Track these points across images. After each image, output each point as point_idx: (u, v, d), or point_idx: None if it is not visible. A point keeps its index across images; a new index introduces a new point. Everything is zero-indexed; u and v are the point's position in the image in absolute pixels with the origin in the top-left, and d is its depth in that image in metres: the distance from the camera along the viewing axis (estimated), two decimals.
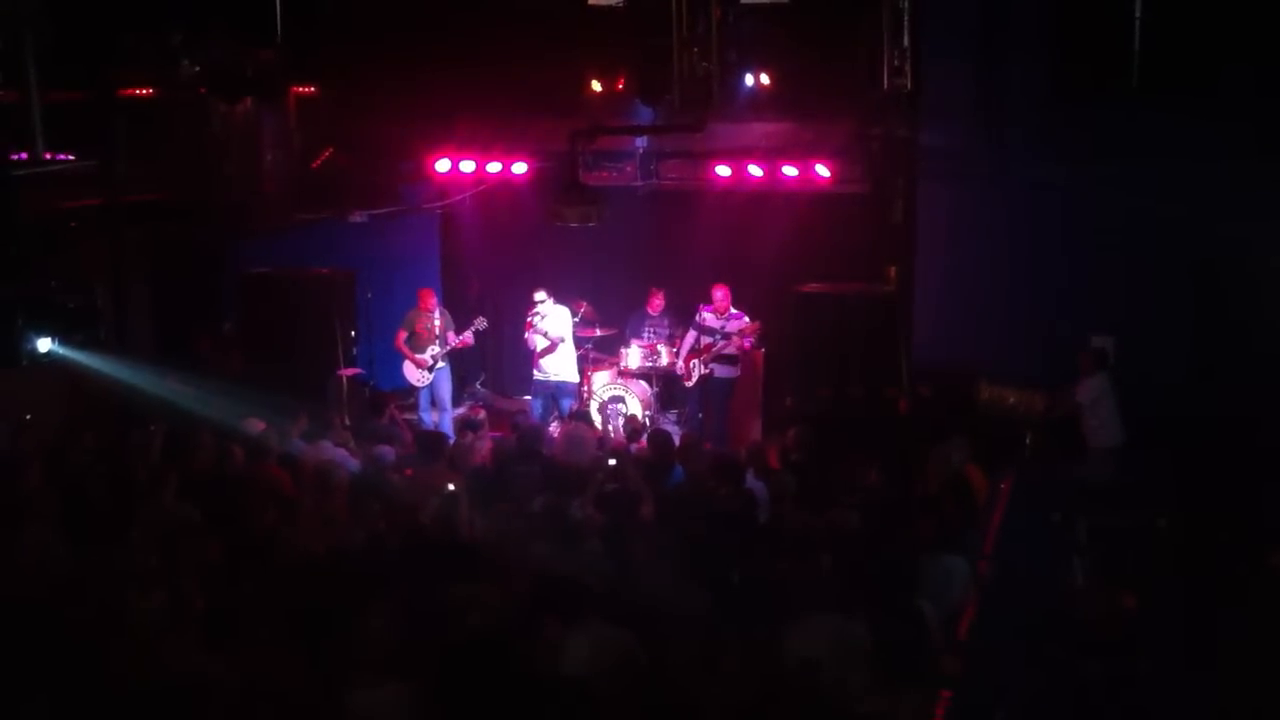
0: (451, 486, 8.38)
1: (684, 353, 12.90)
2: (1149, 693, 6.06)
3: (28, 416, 9.84)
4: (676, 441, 10.05)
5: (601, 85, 12.44)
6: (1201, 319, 10.87)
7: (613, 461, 9.26)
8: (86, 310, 10.69)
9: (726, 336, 12.60)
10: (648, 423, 12.42)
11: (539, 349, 12.98)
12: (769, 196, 12.60)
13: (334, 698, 5.40)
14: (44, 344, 9.79)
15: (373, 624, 5.71)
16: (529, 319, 13.01)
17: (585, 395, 13.18)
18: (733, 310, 12.65)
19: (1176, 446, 9.93)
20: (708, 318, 12.73)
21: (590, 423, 12.02)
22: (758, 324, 12.50)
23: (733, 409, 12.97)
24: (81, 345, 9.98)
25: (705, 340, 12.73)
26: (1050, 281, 11.27)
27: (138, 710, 5.19)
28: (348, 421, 11.62)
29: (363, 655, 5.57)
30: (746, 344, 12.59)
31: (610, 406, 13.00)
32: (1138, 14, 10.57)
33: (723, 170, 12.54)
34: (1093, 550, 7.35)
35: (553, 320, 12.93)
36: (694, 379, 12.85)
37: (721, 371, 12.77)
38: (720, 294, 12.67)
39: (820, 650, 5.82)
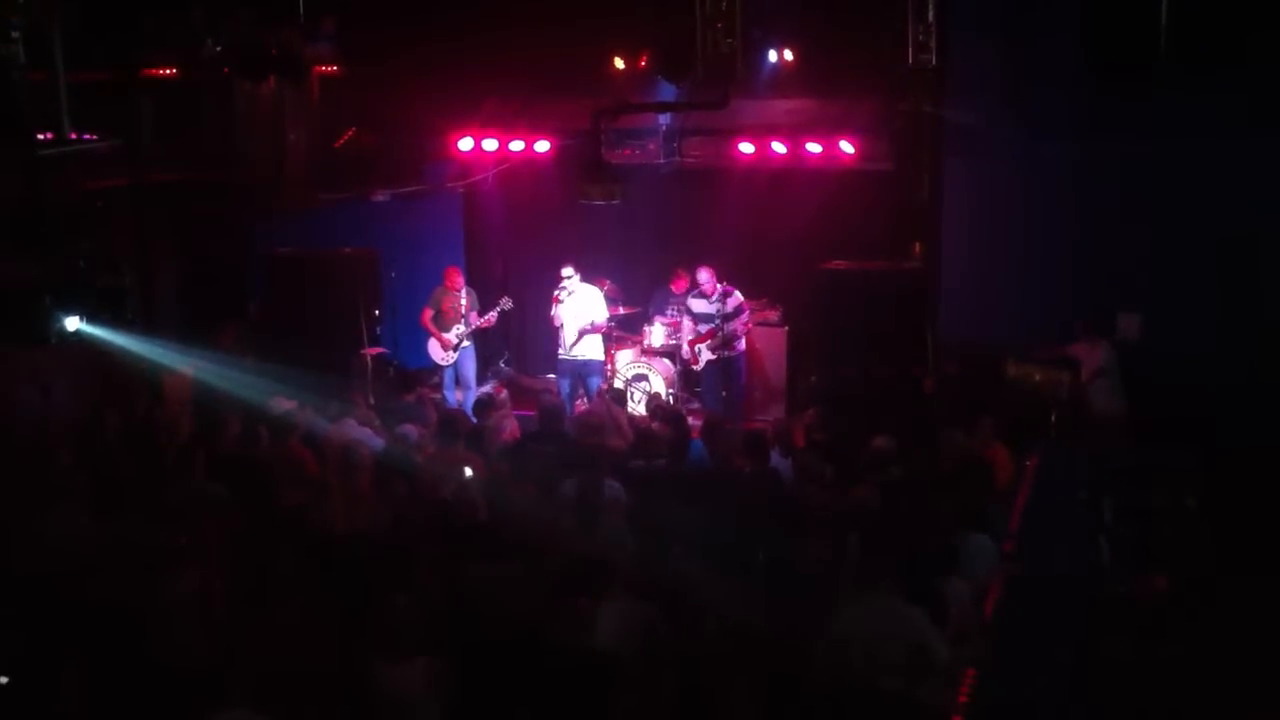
0: (469, 471, 8.35)
1: (684, 339, 12.71)
2: (1179, 675, 6.04)
3: (49, 394, 9.89)
4: (688, 419, 10.01)
5: (624, 63, 12.38)
6: (1228, 295, 10.79)
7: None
8: (114, 289, 10.75)
9: (726, 317, 12.30)
10: (671, 400, 12.40)
11: (578, 330, 12.79)
12: (793, 174, 12.53)
13: (361, 674, 5.44)
14: (71, 323, 9.86)
15: (399, 602, 5.74)
16: (556, 295, 12.93)
17: (609, 373, 13.15)
18: (721, 286, 12.31)
19: (1203, 423, 9.86)
20: (698, 303, 12.47)
21: (624, 401, 11.81)
22: (748, 304, 12.32)
23: (749, 385, 12.85)
24: (109, 324, 10.04)
25: (705, 327, 12.47)
26: (1077, 258, 11.18)
27: (167, 688, 5.24)
28: (372, 400, 11.64)
29: (390, 633, 5.60)
30: (748, 324, 12.41)
31: (632, 385, 12.94)
32: None
33: (746, 147, 12.48)
34: (1120, 530, 7.31)
35: (588, 304, 12.82)
36: (701, 363, 12.66)
37: (727, 351, 12.54)
38: (705, 275, 12.29)
39: (845, 628, 5.83)
